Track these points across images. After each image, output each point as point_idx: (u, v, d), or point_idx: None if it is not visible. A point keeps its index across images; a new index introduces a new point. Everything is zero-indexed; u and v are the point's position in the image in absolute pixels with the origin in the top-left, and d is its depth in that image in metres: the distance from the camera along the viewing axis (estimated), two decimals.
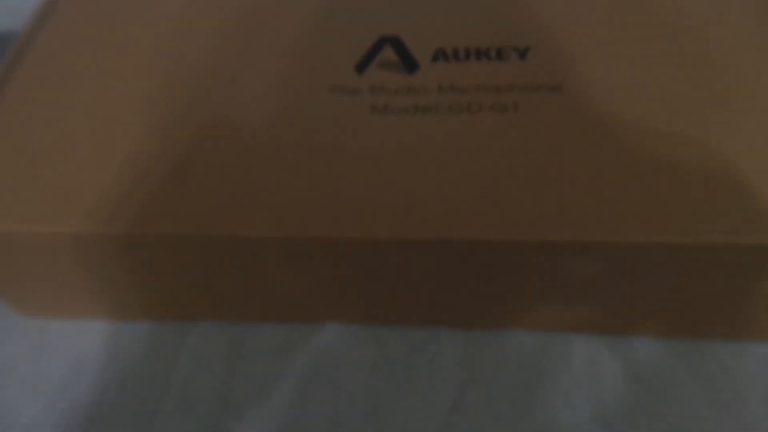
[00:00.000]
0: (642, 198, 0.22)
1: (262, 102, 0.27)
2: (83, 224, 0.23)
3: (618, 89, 0.26)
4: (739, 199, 0.22)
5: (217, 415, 0.27)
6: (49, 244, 0.24)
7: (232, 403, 0.27)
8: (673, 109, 0.25)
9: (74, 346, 0.29)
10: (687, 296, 0.25)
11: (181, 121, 0.26)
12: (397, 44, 0.29)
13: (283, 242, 0.23)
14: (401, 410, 0.26)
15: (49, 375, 0.28)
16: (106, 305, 0.29)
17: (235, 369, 0.28)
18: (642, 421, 0.26)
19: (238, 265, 0.25)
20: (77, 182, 0.24)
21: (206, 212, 0.23)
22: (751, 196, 0.22)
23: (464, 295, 0.26)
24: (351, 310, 0.28)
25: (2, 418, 0.27)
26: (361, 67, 0.28)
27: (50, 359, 0.29)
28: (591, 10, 0.29)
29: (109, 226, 0.23)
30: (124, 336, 0.29)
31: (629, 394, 0.26)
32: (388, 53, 0.28)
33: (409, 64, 0.28)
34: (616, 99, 0.25)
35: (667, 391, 0.26)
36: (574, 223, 0.22)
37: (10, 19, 0.35)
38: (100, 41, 0.30)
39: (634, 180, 0.23)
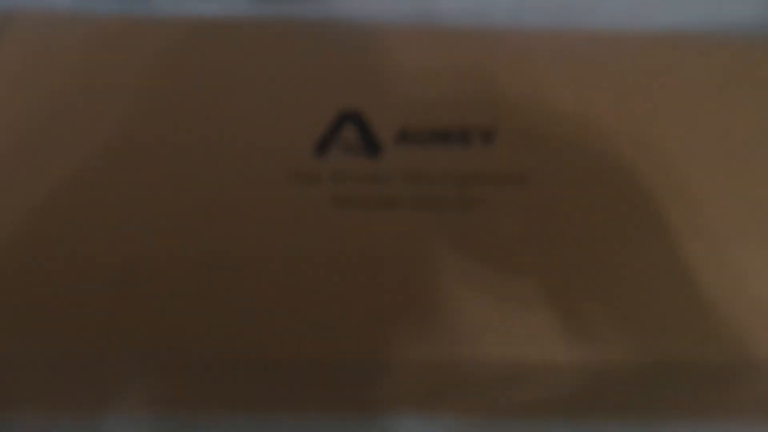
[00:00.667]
0: (610, 314, 0.22)
1: (216, 193, 0.25)
2: None
3: (583, 181, 0.25)
4: (699, 317, 0.22)
5: None
6: None
7: None
8: (639, 206, 0.25)
9: None
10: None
11: (121, 218, 0.24)
12: (359, 122, 0.27)
13: (231, 365, 0.22)
14: None
15: None
16: None
17: None
18: None
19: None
20: None
21: (148, 327, 0.22)
22: (712, 314, 0.22)
23: None
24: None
25: None
26: (322, 148, 0.26)
27: None
28: (558, 95, 0.28)
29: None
30: None
31: None
32: (350, 132, 0.27)
33: (371, 146, 0.26)
34: (582, 194, 0.25)
35: None
36: (545, 340, 0.22)
37: None
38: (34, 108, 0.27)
39: (600, 293, 0.23)
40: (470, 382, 0.24)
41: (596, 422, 0.27)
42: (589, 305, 0.22)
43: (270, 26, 0.31)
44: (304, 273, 0.23)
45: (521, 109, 0.28)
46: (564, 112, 0.28)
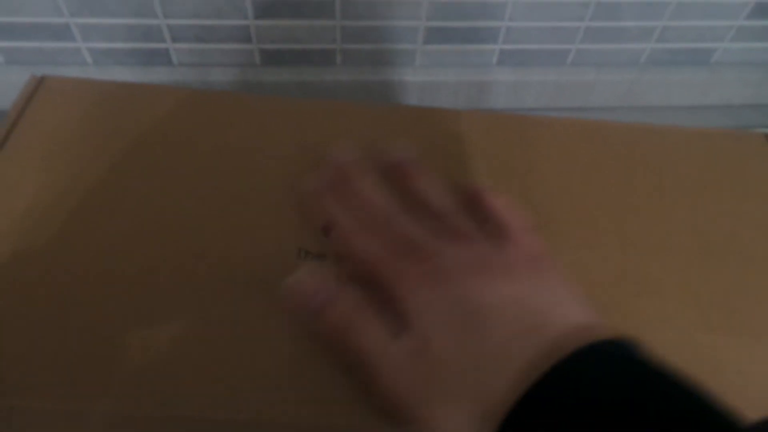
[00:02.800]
0: None
1: (227, 258, 0.27)
2: None
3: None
4: None
5: None
6: None
7: None
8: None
9: None
10: None
11: (135, 279, 0.26)
12: None
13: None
14: None
15: None
16: None
17: None
18: None
19: None
20: None
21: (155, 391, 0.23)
22: None
23: None
24: None
25: None
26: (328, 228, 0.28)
27: None
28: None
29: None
30: None
31: None
32: None
33: None
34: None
35: None
36: None
37: None
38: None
39: None
40: None
41: None
42: None
43: (281, 106, 0.34)
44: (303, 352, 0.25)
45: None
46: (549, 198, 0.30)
